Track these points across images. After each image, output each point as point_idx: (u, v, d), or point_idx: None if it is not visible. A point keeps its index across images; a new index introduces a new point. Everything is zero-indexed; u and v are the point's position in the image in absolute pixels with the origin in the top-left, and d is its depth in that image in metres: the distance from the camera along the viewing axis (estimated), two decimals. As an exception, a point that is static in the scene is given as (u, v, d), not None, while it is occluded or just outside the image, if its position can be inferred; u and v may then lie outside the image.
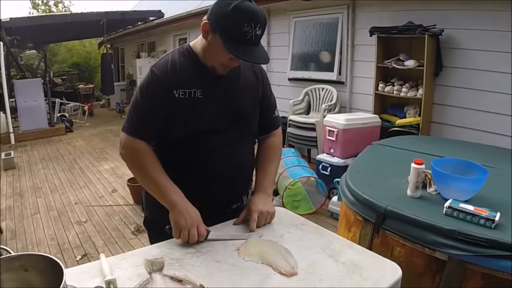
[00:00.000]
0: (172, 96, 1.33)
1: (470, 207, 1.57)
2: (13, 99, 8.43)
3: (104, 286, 1.01)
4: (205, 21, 1.29)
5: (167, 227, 1.33)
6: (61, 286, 0.80)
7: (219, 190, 1.45)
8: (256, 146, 1.64)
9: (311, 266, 1.13)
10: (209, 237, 1.29)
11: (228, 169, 1.44)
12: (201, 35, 1.35)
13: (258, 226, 1.38)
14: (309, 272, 1.11)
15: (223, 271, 1.12)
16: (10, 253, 1.00)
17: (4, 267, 0.93)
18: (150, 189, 1.38)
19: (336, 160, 4.24)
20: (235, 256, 1.20)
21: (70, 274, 1.06)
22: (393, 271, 1.11)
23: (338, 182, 3.40)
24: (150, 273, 1.08)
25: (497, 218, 1.49)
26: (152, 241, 1.54)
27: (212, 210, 1.38)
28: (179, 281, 1.04)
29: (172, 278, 1.05)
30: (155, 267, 1.11)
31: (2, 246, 1.15)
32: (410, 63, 4.07)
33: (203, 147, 1.39)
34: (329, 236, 1.34)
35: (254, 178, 1.58)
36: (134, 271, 1.11)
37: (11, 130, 7.88)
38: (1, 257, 0.95)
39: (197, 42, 1.41)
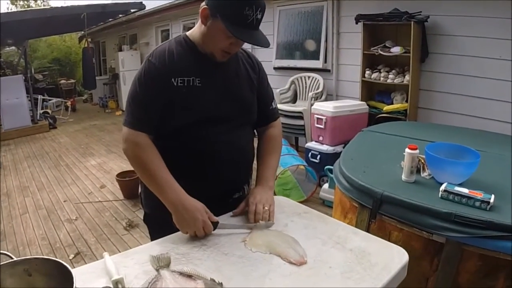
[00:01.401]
0: (171, 85, 1.32)
1: (465, 190, 1.60)
2: (-5, 97, 8.24)
3: (111, 286, 0.99)
4: (204, 7, 1.28)
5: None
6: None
7: (220, 179, 1.45)
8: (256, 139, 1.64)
9: (319, 254, 1.14)
10: (218, 228, 1.28)
11: (229, 158, 1.43)
12: (199, 21, 1.34)
13: (257, 218, 1.36)
14: (318, 260, 1.11)
15: (232, 264, 1.11)
16: (11, 258, 0.98)
17: (7, 273, 0.90)
18: (150, 185, 1.35)
19: (325, 148, 4.26)
20: (242, 247, 1.20)
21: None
22: (400, 256, 1.13)
23: (329, 169, 3.44)
24: (157, 270, 1.06)
25: (492, 200, 1.53)
26: (153, 237, 1.53)
27: (213, 200, 1.36)
28: (189, 276, 1.03)
29: (181, 273, 1.04)
30: (162, 263, 1.09)
31: (2, 251, 1.12)
32: (397, 50, 4.09)
33: (203, 135, 1.38)
34: (333, 224, 1.35)
35: (255, 170, 1.58)
36: (140, 269, 1.09)
37: (-6, 129, 7.73)
38: (3, 263, 0.92)
39: (194, 30, 1.39)
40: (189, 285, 0.99)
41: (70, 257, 3.21)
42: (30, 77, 9.51)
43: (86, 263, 1.14)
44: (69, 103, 11.26)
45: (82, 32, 11.40)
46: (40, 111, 9.48)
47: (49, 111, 10.06)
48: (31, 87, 8.89)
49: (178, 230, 1.31)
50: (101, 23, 12.23)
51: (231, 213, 1.44)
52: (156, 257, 1.11)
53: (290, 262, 1.11)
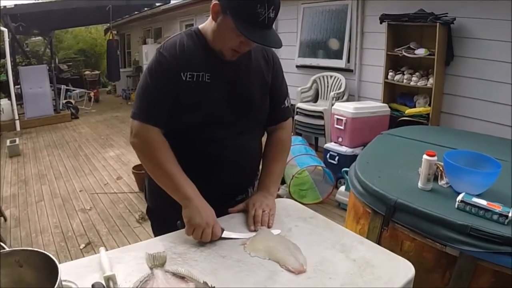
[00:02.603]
0: (180, 79, 1.28)
1: (483, 202, 1.52)
2: (19, 86, 8.40)
3: (103, 282, 0.96)
4: (215, 2, 1.23)
5: (178, 222, 1.28)
6: (56, 285, 0.75)
7: (225, 180, 1.40)
8: (264, 138, 1.58)
9: (320, 263, 1.09)
10: (223, 235, 1.23)
11: (235, 160, 1.39)
12: (210, 17, 1.29)
13: (257, 221, 1.31)
14: (318, 269, 1.06)
15: (228, 268, 1.07)
16: (4, 248, 0.96)
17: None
18: (162, 181, 1.31)
19: (344, 149, 4.19)
20: (241, 251, 1.15)
21: (68, 269, 1.04)
22: (406, 270, 1.06)
23: (346, 171, 3.37)
24: (151, 269, 1.04)
25: (510, 214, 1.45)
26: (155, 233, 1.50)
27: (216, 201, 1.32)
28: (182, 277, 0.99)
29: (174, 274, 1.01)
30: (156, 262, 1.06)
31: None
32: (421, 52, 3.98)
33: (209, 137, 1.34)
34: (339, 231, 1.29)
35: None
36: (135, 266, 1.07)
37: (16, 117, 7.88)
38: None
39: (206, 25, 1.34)
40: (180, 286, 0.96)
41: (81, 247, 3.24)
42: (55, 67, 9.69)
43: (96, 254, 1.12)
44: (92, 94, 11.43)
45: (108, 24, 11.54)
46: (63, 101, 9.63)
47: (72, 101, 10.21)
48: (54, 77, 9.03)
49: (178, 229, 1.27)
50: (127, 16, 12.39)
51: (237, 216, 1.39)
52: (152, 255, 1.09)
53: (289, 270, 1.06)
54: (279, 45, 1.24)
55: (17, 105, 7.94)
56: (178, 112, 1.31)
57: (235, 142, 1.38)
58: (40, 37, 13.55)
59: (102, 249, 1.13)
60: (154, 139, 1.29)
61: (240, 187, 1.51)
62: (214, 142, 1.35)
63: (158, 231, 1.34)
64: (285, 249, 1.15)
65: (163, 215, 1.44)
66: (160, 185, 1.31)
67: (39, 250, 0.89)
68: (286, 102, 1.54)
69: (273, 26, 1.24)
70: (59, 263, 0.84)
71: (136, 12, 11.85)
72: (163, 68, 1.29)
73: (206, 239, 1.19)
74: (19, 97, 8.27)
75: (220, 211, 1.33)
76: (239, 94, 1.37)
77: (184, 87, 1.28)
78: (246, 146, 1.43)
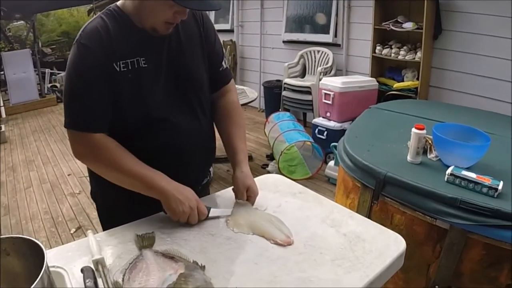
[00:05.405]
0: (113, 70, 1.11)
1: (472, 175, 1.52)
2: (2, 72, 8.21)
3: (92, 266, 0.95)
4: None
5: (161, 212, 1.21)
6: (42, 271, 0.73)
7: (184, 172, 1.27)
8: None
9: (311, 238, 1.08)
10: (210, 214, 1.19)
11: (190, 149, 1.28)
12: None
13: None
14: (309, 244, 1.05)
15: (217, 245, 1.06)
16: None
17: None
18: (130, 184, 1.16)
19: (332, 124, 4.19)
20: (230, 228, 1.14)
21: (57, 254, 1.02)
22: (397, 243, 1.06)
23: (335, 146, 3.37)
24: (140, 250, 1.02)
25: (500, 187, 1.46)
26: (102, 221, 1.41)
27: None
28: (171, 257, 0.98)
29: (163, 254, 0.99)
30: (145, 243, 1.05)
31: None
32: (409, 26, 3.94)
33: (162, 126, 1.21)
34: (329, 205, 1.28)
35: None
36: (124, 248, 1.05)
37: (1, 103, 7.69)
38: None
39: (125, 2, 1.16)
40: (170, 266, 0.94)
41: (72, 231, 3.21)
42: (38, 51, 9.45)
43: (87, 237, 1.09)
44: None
45: (91, 5, 11.27)
46: (48, 85, 9.44)
47: (58, 84, 10.00)
48: (38, 61, 8.83)
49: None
50: (110, -5, 12.11)
51: (211, 198, 1.35)
52: (140, 236, 1.07)
53: (277, 243, 1.05)
54: (218, 6, 1.10)
55: (1, 91, 7.78)
56: (119, 109, 1.15)
57: (189, 126, 1.26)
58: (22, 22, 13.22)
59: (89, 232, 1.11)
60: (101, 145, 1.13)
61: (204, 171, 1.44)
62: (168, 131, 1.22)
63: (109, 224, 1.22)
64: (268, 222, 1.14)
65: (110, 203, 1.35)
66: (128, 188, 1.16)
67: (24, 236, 0.87)
68: (223, 63, 1.38)
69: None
70: (50, 248, 0.82)
71: (119, -8, 11.60)
72: (89, 61, 1.09)
73: (193, 221, 1.14)
74: (3, 83, 8.08)
75: None
76: (182, 71, 1.24)
77: (120, 79, 1.12)
78: (198, 129, 1.30)
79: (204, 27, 1.30)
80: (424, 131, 1.72)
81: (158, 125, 1.21)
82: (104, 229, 1.24)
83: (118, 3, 1.18)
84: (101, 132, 1.14)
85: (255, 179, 1.33)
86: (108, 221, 1.30)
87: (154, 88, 1.19)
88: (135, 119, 1.18)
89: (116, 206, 1.30)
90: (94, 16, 1.16)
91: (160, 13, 1.08)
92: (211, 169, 1.51)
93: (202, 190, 1.42)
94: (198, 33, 1.28)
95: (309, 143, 4.27)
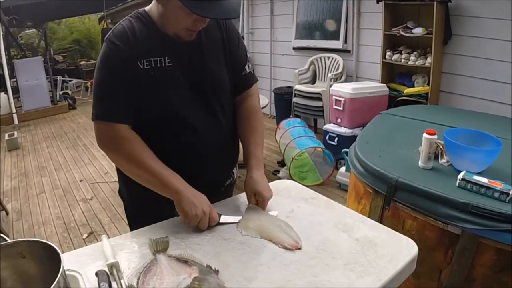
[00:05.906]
0: (137, 68, 1.17)
1: (484, 180, 1.52)
2: (15, 79, 8.33)
3: (106, 269, 0.96)
4: None
5: (174, 217, 1.23)
6: (58, 274, 0.75)
7: (205, 172, 1.32)
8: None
9: (323, 243, 1.08)
10: (220, 221, 1.20)
11: (211, 150, 1.31)
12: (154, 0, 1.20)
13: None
14: (321, 249, 1.06)
15: (231, 250, 1.07)
16: (6, 240, 0.95)
17: (1, 255, 0.88)
18: (146, 181, 1.20)
19: (343, 130, 4.19)
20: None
21: (71, 258, 1.04)
22: (409, 248, 1.06)
23: (346, 152, 3.37)
24: (154, 254, 1.04)
25: (511, 192, 1.44)
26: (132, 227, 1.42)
27: (204, 191, 1.24)
28: (185, 262, 0.99)
29: (177, 259, 1.01)
30: (159, 247, 1.06)
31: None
32: (418, 31, 3.94)
33: (183, 125, 1.26)
34: (341, 210, 1.28)
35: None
36: (138, 252, 1.07)
37: (13, 110, 7.82)
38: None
39: (151, 8, 1.23)
40: (184, 270, 0.95)
41: (84, 237, 3.24)
42: (50, 59, 9.57)
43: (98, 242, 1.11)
44: (89, 84, 11.31)
45: (102, 13, 11.42)
46: (59, 92, 9.56)
47: (69, 92, 10.15)
48: (50, 69, 8.94)
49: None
50: (120, 4, 12.26)
51: (229, 202, 1.36)
52: (154, 241, 1.08)
53: (284, 247, 1.06)
54: (237, 13, 1.14)
55: (14, 98, 7.87)
56: (140, 106, 1.21)
57: (209, 127, 1.30)
58: (34, 29, 13.42)
59: (104, 237, 1.12)
60: (125, 137, 1.19)
61: (225, 171, 1.46)
62: (188, 130, 1.26)
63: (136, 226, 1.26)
64: (277, 227, 1.15)
65: (139, 207, 1.39)
66: (144, 184, 1.21)
67: (40, 240, 0.88)
68: (247, 68, 1.42)
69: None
70: (62, 253, 0.84)
71: (129, 0, 11.72)
72: (117, 58, 1.17)
73: (203, 227, 1.16)
74: (15, 90, 8.19)
75: (211, 200, 1.25)
76: (205, 75, 1.27)
77: (142, 77, 1.18)
78: (221, 129, 1.34)
79: (227, 32, 1.34)
80: (435, 136, 1.71)
81: (178, 124, 1.25)
82: (131, 228, 1.31)
83: (146, 8, 1.25)
84: (125, 123, 1.20)
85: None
86: (135, 221, 1.35)
87: (175, 87, 1.23)
88: (156, 116, 1.23)
89: (143, 206, 1.33)
90: (124, 18, 1.25)
91: (181, 21, 1.14)
92: (235, 170, 1.52)
93: (225, 191, 1.44)
94: (220, 38, 1.32)
95: (320, 149, 4.27)
